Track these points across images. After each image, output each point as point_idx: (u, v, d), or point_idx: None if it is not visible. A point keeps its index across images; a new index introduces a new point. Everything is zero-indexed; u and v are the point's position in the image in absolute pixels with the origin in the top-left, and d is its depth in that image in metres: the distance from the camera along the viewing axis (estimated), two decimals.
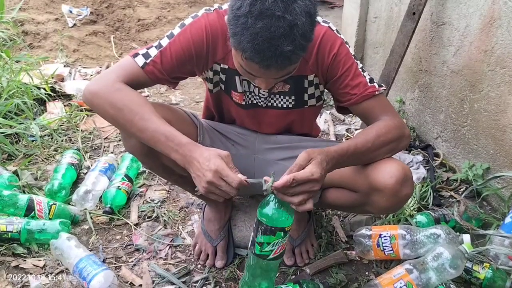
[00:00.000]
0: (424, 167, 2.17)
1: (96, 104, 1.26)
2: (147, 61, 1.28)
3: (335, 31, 1.33)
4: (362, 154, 1.28)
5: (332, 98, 1.51)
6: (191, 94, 2.96)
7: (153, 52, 1.29)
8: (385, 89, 1.38)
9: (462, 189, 2.04)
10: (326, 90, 1.46)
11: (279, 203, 1.16)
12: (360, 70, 1.35)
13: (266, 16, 1.02)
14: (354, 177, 1.36)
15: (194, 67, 1.36)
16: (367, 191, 1.32)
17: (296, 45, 1.06)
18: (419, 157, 2.23)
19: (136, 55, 1.30)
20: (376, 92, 1.34)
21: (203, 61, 1.35)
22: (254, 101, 1.45)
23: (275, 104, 1.46)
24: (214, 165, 1.12)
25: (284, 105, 1.46)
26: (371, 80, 1.36)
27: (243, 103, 1.46)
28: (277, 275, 1.48)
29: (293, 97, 1.44)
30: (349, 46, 1.36)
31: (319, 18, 1.32)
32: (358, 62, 1.36)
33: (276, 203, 1.16)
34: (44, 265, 1.63)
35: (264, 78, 1.18)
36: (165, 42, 1.30)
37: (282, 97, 1.44)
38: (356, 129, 2.53)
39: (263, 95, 1.42)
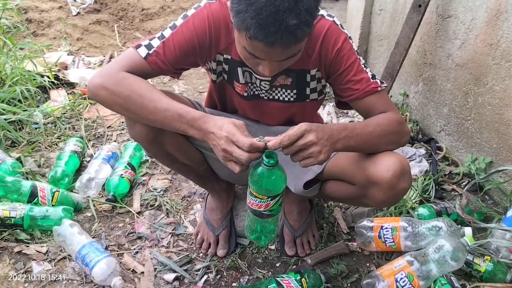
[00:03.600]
0: (427, 160, 2.17)
1: (103, 96, 1.24)
2: (150, 52, 1.27)
3: (339, 26, 1.33)
4: (362, 137, 1.26)
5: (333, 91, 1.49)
6: (194, 85, 2.96)
7: (156, 43, 1.28)
8: (386, 86, 1.38)
9: (464, 183, 2.04)
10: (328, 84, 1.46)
11: (262, 171, 1.13)
12: (363, 66, 1.34)
13: None
14: (352, 170, 1.36)
15: (197, 58, 1.35)
16: (364, 184, 1.32)
17: (301, 20, 1.04)
18: (422, 151, 2.23)
19: (138, 46, 1.29)
20: (379, 88, 1.34)
21: (206, 52, 1.35)
22: (256, 93, 1.45)
23: (276, 97, 1.46)
24: (225, 131, 1.11)
25: (286, 98, 1.45)
26: (373, 77, 1.35)
27: (245, 94, 1.46)
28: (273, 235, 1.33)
29: (295, 91, 1.44)
30: (353, 42, 1.35)
31: (323, 12, 1.31)
32: (361, 58, 1.36)
33: (261, 169, 1.13)
34: (46, 251, 1.64)
35: (268, 61, 1.16)
36: (167, 33, 1.29)
37: (284, 90, 1.43)
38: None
39: (264, 87, 1.42)
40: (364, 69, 1.34)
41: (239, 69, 1.39)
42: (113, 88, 1.21)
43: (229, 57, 1.37)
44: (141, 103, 1.21)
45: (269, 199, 1.16)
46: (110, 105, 1.26)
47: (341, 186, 1.47)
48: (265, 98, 1.46)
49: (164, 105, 1.19)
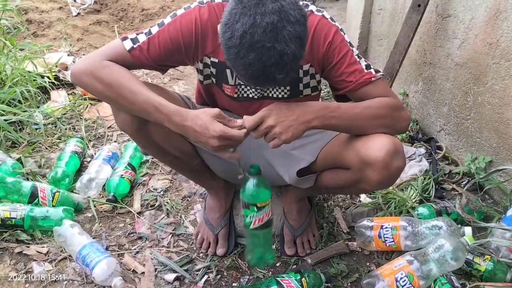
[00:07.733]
0: (427, 159, 2.17)
1: (84, 81, 1.28)
2: (134, 46, 1.30)
3: (329, 19, 1.33)
4: (346, 117, 1.29)
5: (329, 89, 1.50)
6: (194, 85, 2.95)
7: (142, 38, 1.31)
8: (382, 74, 1.37)
9: (464, 182, 2.04)
10: (322, 80, 1.46)
11: (253, 183, 1.27)
12: (356, 57, 1.34)
13: (256, 48, 1.05)
14: (345, 153, 1.37)
15: (183, 57, 1.36)
16: (359, 167, 1.32)
17: (288, 70, 1.11)
18: (422, 150, 2.23)
19: (125, 38, 1.32)
20: (373, 78, 1.33)
21: (192, 53, 1.35)
22: (247, 94, 1.45)
23: (270, 95, 1.45)
24: (214, 131, 1.18)
25: (280, 96, 1.45)
26: (368, 67, 1.35)
27: (235, 95, 1.45)
28: (272, 245, 1.63)
29: (288, 87, 1.43)
30: (344, 34, 1.35)
31: (312, 7, 1.33)
32: (354, 49, 1.35)
33: (250, 182, 1.27)
34: (47, 251, 1.65)
35: None
36: (154, 30, 1.32)
37: (276, 87, 1.43)
38: None
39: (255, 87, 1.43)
40: (357, 60, 1.34)
41: (228, 71, 1.39)
42: (95, 74, 1.26)
43: (216, 60, 1.37)
44: (120, 93, 1.24)
45: (270, 203, 1.29)
46: (91, 91, 1.31)
47: (336, 174, 1.48)
48: (257, 97, 1.45)
49: (143, 97, 1.23)
